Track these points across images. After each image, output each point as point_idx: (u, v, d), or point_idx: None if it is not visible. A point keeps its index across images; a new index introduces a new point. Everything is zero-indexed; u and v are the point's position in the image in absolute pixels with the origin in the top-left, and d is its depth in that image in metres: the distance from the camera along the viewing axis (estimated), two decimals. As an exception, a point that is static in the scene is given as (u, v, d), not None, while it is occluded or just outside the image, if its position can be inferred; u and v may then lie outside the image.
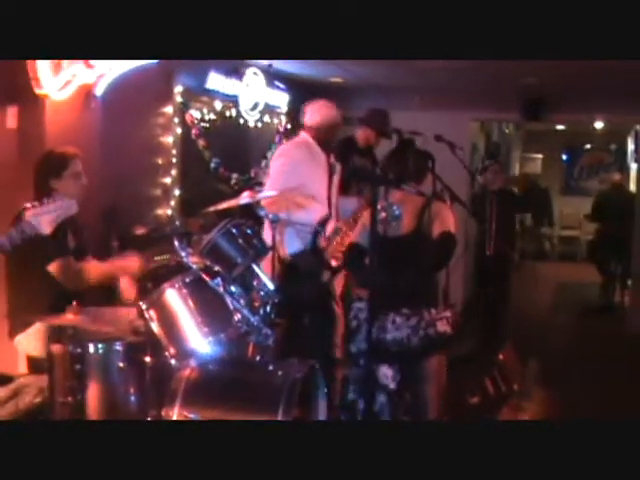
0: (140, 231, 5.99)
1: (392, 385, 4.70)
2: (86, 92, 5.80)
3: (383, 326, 4.58)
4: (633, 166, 14.12)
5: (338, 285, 5.92)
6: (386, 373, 4.67)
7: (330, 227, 5.67)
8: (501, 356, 5.13)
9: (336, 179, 6.00)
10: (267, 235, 5.28)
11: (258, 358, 4.50)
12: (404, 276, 4.63)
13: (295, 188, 5.60)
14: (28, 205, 3.56)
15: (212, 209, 5.08)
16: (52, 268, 4.52)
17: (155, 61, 6.00)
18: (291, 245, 5.59)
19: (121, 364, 4.07)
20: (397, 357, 4.66)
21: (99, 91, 5.88)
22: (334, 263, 5.46)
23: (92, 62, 5.57)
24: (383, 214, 4.49)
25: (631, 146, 15.54)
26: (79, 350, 4.00)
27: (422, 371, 4.77)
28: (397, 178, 4.79)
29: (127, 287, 4.94)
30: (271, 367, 4.25)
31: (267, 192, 5.44)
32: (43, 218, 3.52)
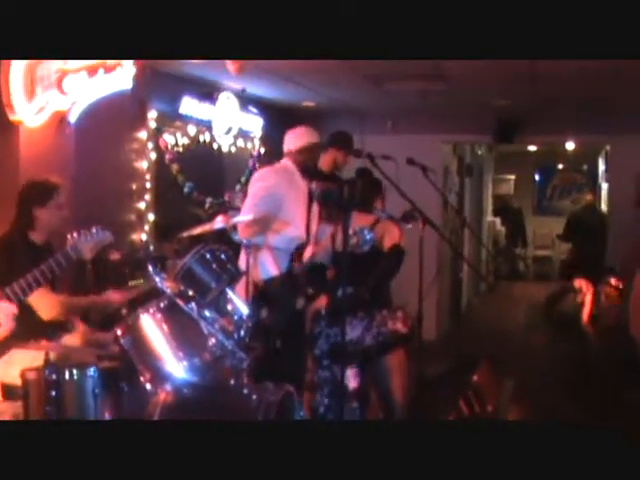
0: (114, 256, 5.99)
1: (354, 384, 4.84)
2: (60, 118, 5.81)
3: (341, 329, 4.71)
4: (604, 186, 14.25)
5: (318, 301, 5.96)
6: (347, 374, 4.79)
7: (307, 253, 5.70)
8: (475, 377, 5.15)
9: (316, 206, 6.02)
10: (243, 260, 5.31)
11: (233, 382, 4.51)
12: (361, 287, 4.87)
13: (271, 213, 5.63)
14: (69, 236, 4.19)
15: (186, 234, 5.10)
16: (29, 298, 4.50)
17: (129, 87, 6.03)
18: (266, 271, 5.61)
19: (96, 390, 4.07)
20: (356, 357, 4.84)
21: (73, 117, 5.90)
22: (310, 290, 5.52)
23: (65, 89, 5.60)
24: (355, 239, 4.59)
25: (602, 166, 15.68)
26: (54, 376, 4.00)
27: (382, 368, 4.97)
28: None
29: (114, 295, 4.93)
30: (246, 391, 4.27)
31: (241, 216, 5.46)
32: (84, 246, 4.20)
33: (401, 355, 5.14)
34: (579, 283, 7.54)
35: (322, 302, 5.32)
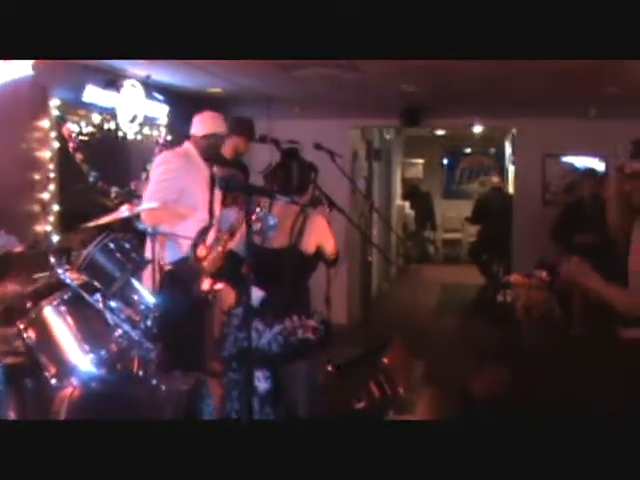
0: (17, 249, 5.85)
1: (263, 387, 4.78)
2: (-43, 107, 5.67)
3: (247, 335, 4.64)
4: (511, 168, 14.50)
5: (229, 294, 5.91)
6: (257, 376, 4.73)
7: (212, 236, 5.66)
8: (386, 360, 5.18)
9: (218, 190, 5.98)
10: (149, 248, 5.24)
11: (141, 373, 4.46)
12: (274, 287, 4.72)
13: (175, 199, 5.58)
14: None
15: (92, 224, 5.01)
16: None
17: (29, 74, 5.89)
18: (172, 255, 5.55)
19: (-1, 387, 3.99)
20: (263, 363, 4.76)
21: (-29, 106, 5.75)
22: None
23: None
24: (259, 224, 4.53)
25: (509, 149, 15.94)
26: (-47, 375, 3.91)
27: (290, 376, 4.88)
28: (281, 189, 4.88)
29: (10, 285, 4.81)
30: (154, 381, 4.22)
31: (146, 204, 5.38)
32: None
33: (310, 362, 5.06)
34: (514, 278, 7.73)
35: (232, 299, 5.23)
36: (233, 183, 4.98)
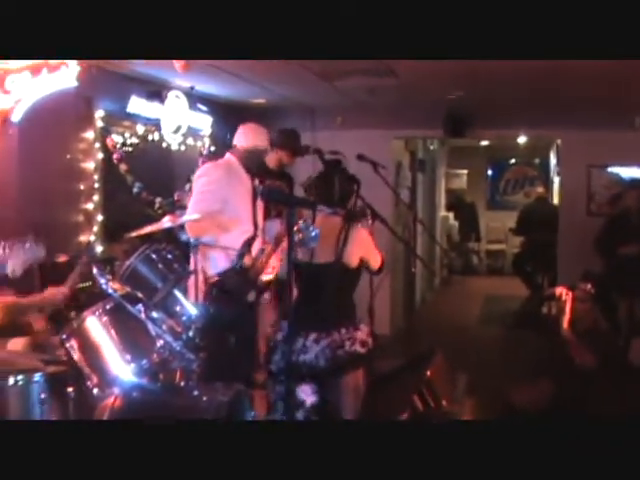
0: (62, 258, 5.89)
1: (310, 401, 4.73)
2: (3, 118, 5.71)
3: (294, 349, 4.59)
4: (556, 179, 14.36)
5: (269, 307, 5.90)
6: (304, 390, 4.69)
7: (256, 247, 5.65)
8: (429, 372, 5.14)
9: (261, 201, 5.98)
10: (192, 259, 5.25)
11: (182, 384, 4.46)
12: (321, 301, 4.68)
13: (218, 210, 5.58)
14: None
15: (135, 234, 5.03)
16: None
17: (73, 86, 5.94)
18: (217, 265, 5.55)
19: (42, 395, 3.99)
20: (309, 377, 4.71)
21: (16, 117, 5.80)
22: (261, 281, 5.44)
23: (8, 87, 5.50)
24: (300, 235, 4.49)
25: (553, 160, 15.80)
26: (-2, 382, 3.92)
27: (337, 389, 4.82)
28: (323, 201, 4.84)
29: (35, 318, 4.84)
30: (196, 392, 4.21)
31: (190, 215, 5.39)
32: (13, 262, 3.91)
33: (358, 375, 5.01)
34: (559, 291, 7.67)
35: (277, 312, 5.22)
36: (273, 194, 4.95)
